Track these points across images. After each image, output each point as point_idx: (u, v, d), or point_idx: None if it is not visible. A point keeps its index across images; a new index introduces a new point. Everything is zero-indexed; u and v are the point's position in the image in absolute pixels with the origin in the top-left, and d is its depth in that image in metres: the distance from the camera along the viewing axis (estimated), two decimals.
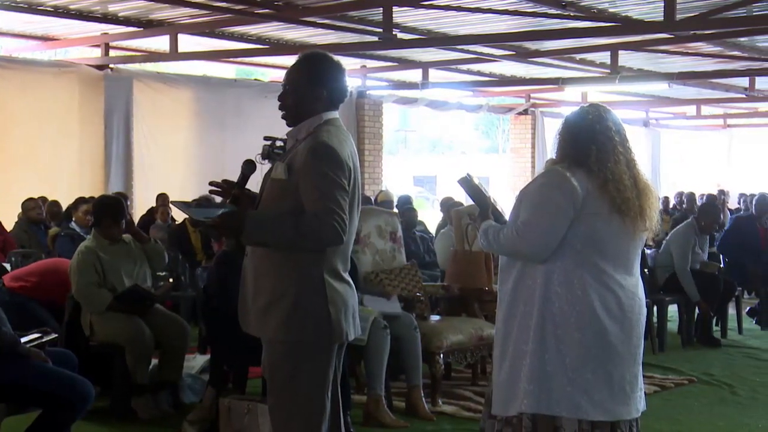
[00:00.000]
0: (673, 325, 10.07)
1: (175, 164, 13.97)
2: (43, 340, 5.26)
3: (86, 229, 9.24)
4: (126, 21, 11.98)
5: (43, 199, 11.05)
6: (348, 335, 3.86)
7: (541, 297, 3.96)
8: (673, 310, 9.99)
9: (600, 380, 3.94)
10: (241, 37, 13.13)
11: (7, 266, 8.69)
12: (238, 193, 3.93)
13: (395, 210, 10.84)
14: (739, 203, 19.27)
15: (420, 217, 12.33)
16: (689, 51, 13.79)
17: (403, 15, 11.44)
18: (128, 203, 11.40)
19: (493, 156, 45.40)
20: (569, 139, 4.08)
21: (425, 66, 15.21)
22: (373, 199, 12.72)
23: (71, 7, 11.21)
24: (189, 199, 11.12)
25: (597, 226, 3.95)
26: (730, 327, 10.30)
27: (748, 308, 11.42)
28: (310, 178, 3.67)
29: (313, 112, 3.83)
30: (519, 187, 4.20)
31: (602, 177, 3.95)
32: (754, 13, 10.87)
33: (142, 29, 12.21)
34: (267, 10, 11.16)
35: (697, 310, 9.77)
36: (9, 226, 10.44)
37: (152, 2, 10.84)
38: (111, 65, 13.33)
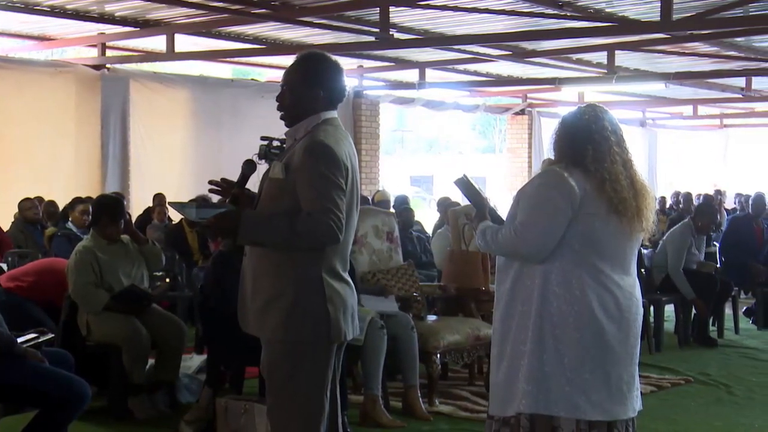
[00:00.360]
0: (669, 325, 10.08)
1: (172, 164, 13.97)
2: (40, 340, 5.26)
3: (83, 229, 9.23)
4: (123, 21, 11.97)
5: (40, 199, 11.04)
6: (347, 335, 3.86)
7: (539, 297, 3.96)
8: (669, 310, 10.00)
9: (598, 380, 3.95)
10: (238, 37, 13.12)
11: (4, 266, 8.68)
12: (237, 193, 3.93)
13: (392, 210, 10.84)
14: (735, 203, 19.29)
15: (417, 217, 12.33)
16: (686, 51, 13.80)
17: (399, 15, 11.44)
18: (125, 203, 11.38)
19: (490, 156, 45.41)
20: (566, 139, 4.09)
21: (422, 66, 15.21)
22: (370, 199, 12.71)
23: (68, 6, 11.20)
24: (186, 198, 11.14)
25: (595, 226, 3.95)
26: (727, 327, 10.31)
27: (744, 308, 11.44)
28: (306, 176, 3.67)
29: (311, 112, 3.84)
30: (516, 187, 4.21)
31: (599, 177, 3.96)
32: (751, 14, 10.88)
33: (138, 29, 12.20)
34: (264, 10, 11.16)
35: (693, 310, 9.78)
36: (5, 226, 10.43)
37: (149, 2, 10.84)
38: (108, 65, 13.32)
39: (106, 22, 11.98)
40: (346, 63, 14.73)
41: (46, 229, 10.25)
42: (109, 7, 11.37)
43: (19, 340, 5.06)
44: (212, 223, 3.75)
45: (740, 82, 17.05)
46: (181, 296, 9.02)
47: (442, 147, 54.90)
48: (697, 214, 10.12)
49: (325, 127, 3.80)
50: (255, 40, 13.27)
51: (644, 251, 10.10)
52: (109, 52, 13.42)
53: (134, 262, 6.83)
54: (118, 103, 13.29)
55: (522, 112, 20.19)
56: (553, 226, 3.93)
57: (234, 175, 4.11)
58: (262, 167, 4.05)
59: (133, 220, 11.04)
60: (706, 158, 25.59)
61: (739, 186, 21.71)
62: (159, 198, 12.16)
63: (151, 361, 6.72)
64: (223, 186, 4.01)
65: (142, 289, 6.77)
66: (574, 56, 14.72)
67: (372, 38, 11.84)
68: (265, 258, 3.79)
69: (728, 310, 10.53)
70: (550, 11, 10.93)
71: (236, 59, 15.62)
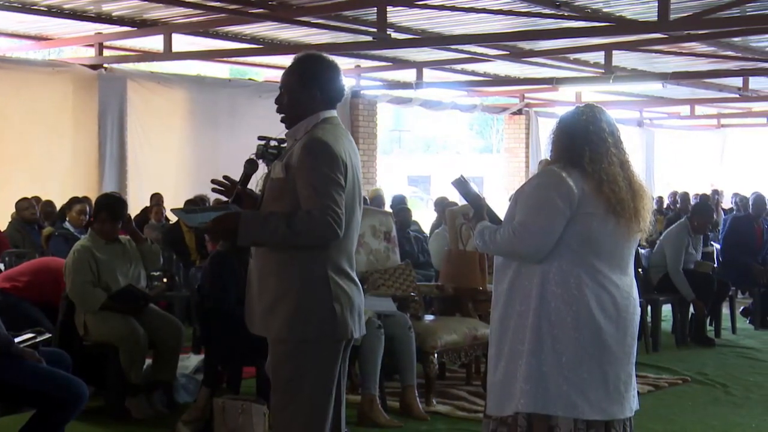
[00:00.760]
0: (667, 324, 10.09)
1: (169, 164, 13.96)
2: (37, 340, 5.26)
3: (80, 228, 9.24)
4: (120, 20, 11.96)
5: (37, 198, 11.03)
6: (353, 332, 3.87)
7: (538, 297, 3.96)
8: (667, 309, 10.00)
9: (596, 380, 3.95)
10: (235, 37, 13.11)
11: (1, 266, 8.67)
12: (240, 192, 3.94)
13: (388, 209, 10.84)
14: (732, 203, 19.29)
15: (414, 217, 12.33)
16: (683, 51, 13.80)
17: (397, 15, 11.44)
18: None
19: (488, 156, 45.43)
20: (564, 139, 4.10)
21: (419, 66, 15.20)
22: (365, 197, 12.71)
23: (65, 6, 11.19)
24: (183, 198, 11.13)
25: (593, 226, 3.96)
26: (724, 327, 10.32)
27: (741, 308, 11.44)
28: (304, 174, 3.68)
29: (309, 113, 3.86)
30: (513, 187, 4.22)
31: (597, 178, 3.97)
32: (748, 13, 10.88)
33: (135, 29, 12.19)
34: (261, 10, 11.15)
35: (691, 310, 9.79)
36: (2, 226, 10.43)
37: (146, 2, 10.82)
38: (105, 65, 13.31)
39: (103, 21, 11.97)
40: (343, 63, 14.71)
41: (43, 229, 10.24)
42: (106, 7, 11.36)
43: (17, 340, 5.06)
44: (212, 226, 3.76)
45: (737, 82, 17.05)
46: (178, 296, 9.02)
47: (439, 147, 54.93)
48: (693, 214, 10.13)
49: (324, 125, 3.83)
50: (252, 39, 13.26)
51: (641, 251, 10.10)
52: (106, 52, 13.40)
53: (132, 262, 6.83)
54: (115, 102, 13.28)
55: (519, 111, 20.19)
56: (552, 225, 3.93)
57: (232, 175, 4.11)
58: (262, 167, 4.06)
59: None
60: (703, 158, 25.59)
61: (736, 186, 21.70)
62: (156, 198, 12.15)
63: (148, 361, 6.72)
64: (225, 185, 4.01)
65: (139, 289, 6.76)
66: (572, 56, 14.72)
67: (369, 38, 11.84)
68: (271, 258, 3.80)
69: (725, 310, 10.54)
70: (547, 11, 10.94)
71: (234, 59, 15.60)
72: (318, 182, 3.65)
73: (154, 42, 13.12)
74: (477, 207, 4.39)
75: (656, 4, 9.75)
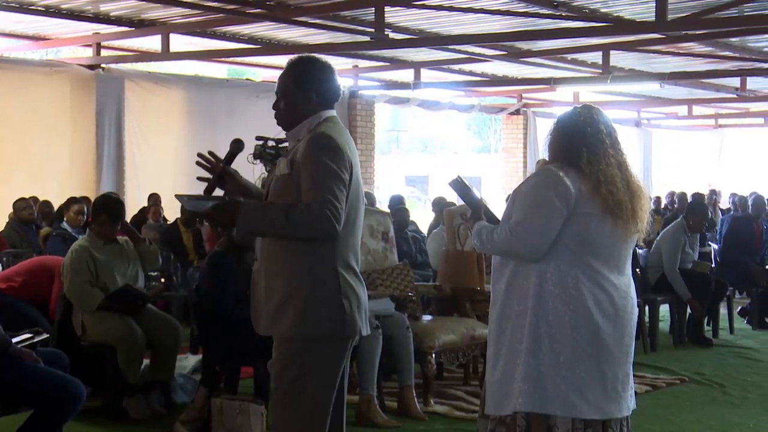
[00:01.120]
0: (664, 324, 10.10)
1: (167, 164, 13.94)
2: (35, 340, 5.26)
3: (78, 229, 9.23)
4: (117, 21, 11.95)
5: (35, 199, 11.03)
6: (362, 330, 3.87)
7: (535, 296, 3.97)
8: (664, 309, 10.02)
9: (593, 379, 3.96)
10: (233, 37, 13.11)
11: None
12: (222, 172, 3.93)
13: (386, 209, 10.84)
14: (729, 203, 19.31)
15: (412, 217, 12.33)
16: (681, 51, 13.81)
17: (395, 15, 11.43)
18: None
19: (485, 156, 45.42)
20: (561, 140, 4.11)
21: (417, 66, 15.20)
22: None
23: (62, 6, 11.18)
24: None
25: (590, 226, 3.96)
26: (722, 327, 10.33)
27: (739, 308, 11.46)
28: (308, 167, 3.69)
29: (308, 114, 3.87)
30: (511, 187, 4.23)
31: (595, 179, 3.97)
32: (746, 14, 10.89)
33: (133, 29, 12.18)
34: (259, 10, 11.15)
35: (688, 310, 9.80)
36: (0, 226, 10.41)
37: (144, 2, 10.81)
38: (102, 65, 13.30)
39: (101, 21, 11.96)
40: (341, 63, 14.80)
41: (40, 229, 10.23)
42: (104, 7, 11.35)
43: (14, 340, 5.06)
44: (210, 213, 3.76)
45: (735, 82, 17.06)
46: (176, 296, 9.00)
47: (437, 147, 54.93)
48: (688, 213, 10.13)
49: (328, 123, 3.85)
50: (250, 40, 13.26)
51: (639, 251, 10.11)
52: (104, 52, 13.39)
53: (130, 262, 6.83)
54: (113, 102, 13.27)
55: (517, 112, 20.19)
56: (549, 225, 3.94)
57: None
58: (259, 166, 4.05)
59: (128, 220, 11.03)
60: (701, 158, 25.60)
61: (733, 186, 21.71)
62: (154, 198, 12.14)
63: (146, 361, 6.72)
64: (210, 161, 3.98)
65: (137, 289, 6.76)
66: (569, 56, 14.72)
67: (367, 38, 11.84)
68: (279, 256, 3.79)
69: (723, 310, 10.56)
70: (545, 11, 10.94)
71: (231, 59, 15.59)
72: (319, 175, 3.65)
73: (151, 42, 13.12)
74: (474, 207, 4.40)
75: (654, 5, 9.76)
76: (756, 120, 23.61)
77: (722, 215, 16.21)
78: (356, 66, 15.69)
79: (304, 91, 3.86)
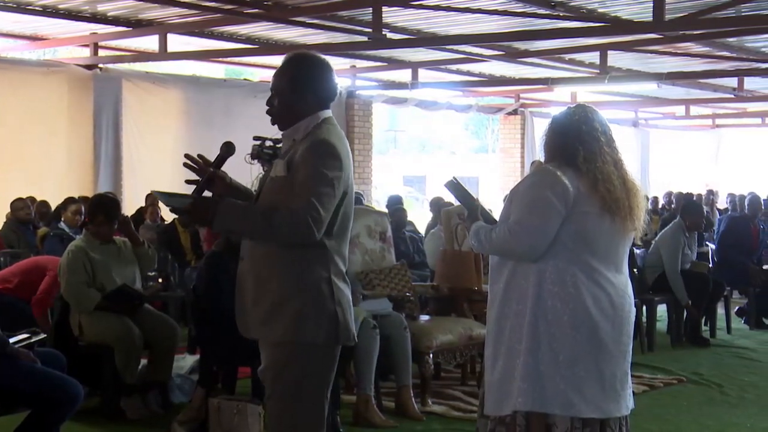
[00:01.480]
0: (662, 324, 10.10)
1: (165, 164, 13.91)
2: (32, 340, 5.25)
3: (75, 229, 9.22)
4: (115, 21, 11.94)
5: (32, 199, 11.02)
6: (354, 336, 3.82)
7: (534, 296, 3.97)
8: (662, 309, 10.02)
9: (592, 378, 3.96)
10: (231, 37, 13.11)
11: None
12: (212, 175, 3.81)
13: (384, 209, 10.84)
14: (727, 203, 19.33)
15: (410, 217, 12.34)
16: (678, 51, 13.82)
17: (392, 15, 11.44)
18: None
19: (483, 156, 45.43)
20: (557, 139, 4.12)
21: (415, 66, 15.21)
22: None
23: (60, 6, 11.18)
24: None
25: (588, 224, 3.97)
26: (719, 327, 10.33)
27: (737, 308, 11.46)
28: (302, 170, 3.61)
29: (303, 114, 3.77)
30: (508, 188, 4.23)
31: (592, 177, 3.98)
32: (743, 14, 10.90)
33: (131, 29, 12.18)
34: (256, 10, 11.15)
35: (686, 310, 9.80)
36: None
37: (141, 2, 10.81)
38: (100, 65, 13.29)
39: (98, 21, 11.95)
40: (338, 63, 14.79)
41: (38, 229, 10.23)
42: (101, 7, 11.34)
43: (11, 340, 5.05)
44: (189, 208, 3.66)
45: (732, 82, 17.07)
46: (173, 296, 9.00)
47: (434, 147, 54.92)
48: (684, 213, 10.11)
49: (327, 126, 3.75)
50: (248, 40, 13.26)
51: (637, 251, 10.11)
52: (101, 52, 13.39)
53: (127, 262, 6.82)
54: (110, 103, 13.27)
55: (515, 112, 20.21)
56: (547, 224, 3.94)
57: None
58: (252, 163, 4.02)
59: None
60: (699, 158, 25.63)
61: (731, 186, 21.75)
62: (151, 198, 12.13)
63: (143, 361, 6.71)
64: (198, 162, 3.87)
65: (134, 289, 6.76)
66: (567, 56, 14.72)
67: (365, 38, 11.84)
68: (271, 260, 3.70)
69: (721, 310, 10.56)
70: (542, 11, 10.94)
71: (229, 59, 15.60)
72: (311, 180, 3.58)
73: (149, 42, 13.11)
74: (470, 208, 4.40)
75: (651, 5, 9.76)
76: (753, 120, 23.64)
77: (720, 215, 16.21)
78: (354, 66, 15.69)
79: (299, 92, 3.77)
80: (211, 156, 3.92)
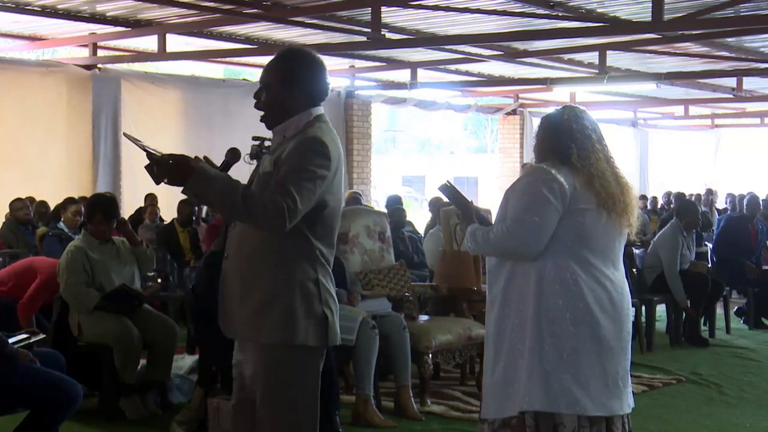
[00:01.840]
0: (661, 324, 10.10)
1: None
2: (31, 340, 5.25)
3: (74, 229, 9.22)
4: (114, 21, 11.95)
5: (31, 199, 11.02)
6: (339, 338, 3.78)
7: (535, 294, 3.97)
8: (661, 309, 10.02)
9: (596, 375, 3.95)
10: (230, 37, 13.11)
11: None
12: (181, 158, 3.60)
13: (383, 209, 10.84)
14: (726, 203, 19.33)
15: (409, 217, 12.33)
16: (677, 51, 13.82)
17: (391, 15, 11.44)
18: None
19: (482, 156, 45.47)
20: (549, 138, 4.14)
21: (414, 66, 15.20)
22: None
23: (59, 6, 11.18)
24: (177, 198, 11.11)
25: (586, 221, 3.98)
26: (718, 327, 10.33)
27: (735, 308, 11.46)
28: (288, 162, 3.54)
29: (292, 111, 3.70)
30: (507, 187, 4.22)
31: (587, 174, 4.00)
32: (742, 14, 10.90)
33: (130, 29, 12.17)
34: (255, 10, 11.15)
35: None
36: None
37: (140, 2, 10.81)
38: (99, 65, 13.29)
39: (97, 21, 11.95)
40: (337, 63, 14.81)
41: (37, 230, 10.23)
42: (100, 7, 11.34)
43: (11, 340, 5.05)
44: (164, 159, 3.47)
45: (731, 82, 17.08)
46: (172, 296, 9.00)
47: (433, 147, 54.99)
48: (679, 213, 10.11)
49: (319, 124, 3.69)
50: (246, 40, 13.26)
51: (636, 251, 10.10)
52: (100, 52, 13.39)
53: (126, 262, 6.82)
54: (109, 103, 13.27)
55: (514, 112, 20.21)
56: (545, 222, 3.94)
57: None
58: (248, 162, 3.99)
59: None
60: (697, 158, 25.65)
61: (730, 186, 21.75)
62: (151, 198, 12.13)
63: (142, 362, 6.71)
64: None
65: (133, 289, 6.76)
66: (566, 56, 14.73)
67: (364, 38, 11.84)
68: (259, 259, 3.64)
69: (720, 310, 10.56)
70: (541, 11, 10.94)
71: (228, 59, 15.60)
72: (295, 173, 3.49)
73: (148, 42, 13.12)
74: (465, 211, 4.40)
75: (650, 5, 9.77)
76: (752, 120, 23.66)
77: (719, 215, 16.22)
78: (353, 66, 15.69)
79: (288, 88, 3.69)
80: (211, 157, 3.91)
